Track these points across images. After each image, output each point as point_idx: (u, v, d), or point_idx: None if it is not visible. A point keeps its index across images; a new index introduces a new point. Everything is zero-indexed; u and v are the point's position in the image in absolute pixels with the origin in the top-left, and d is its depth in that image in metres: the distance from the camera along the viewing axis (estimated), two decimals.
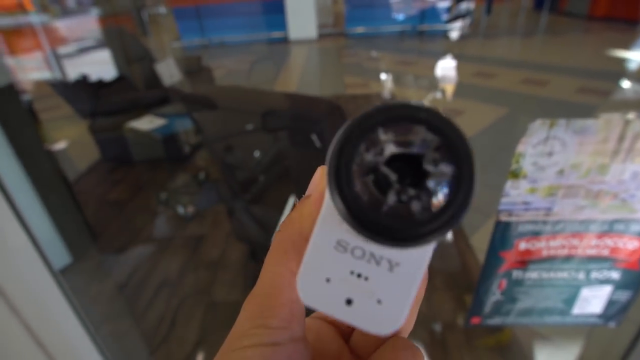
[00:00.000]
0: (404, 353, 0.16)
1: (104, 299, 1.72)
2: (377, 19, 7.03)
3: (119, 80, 2.69)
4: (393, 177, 0.12)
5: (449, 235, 1.89)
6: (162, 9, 6.81)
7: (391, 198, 0.12)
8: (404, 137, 0.12)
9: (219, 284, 1.73)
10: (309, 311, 0.18)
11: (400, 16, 6.99)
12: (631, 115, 0.63)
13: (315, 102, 1.23)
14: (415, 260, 0.13)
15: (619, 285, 0.79)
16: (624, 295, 0.80)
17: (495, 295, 0.77)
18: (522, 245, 0.71)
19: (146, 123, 2.44)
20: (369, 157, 0.12)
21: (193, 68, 3.23)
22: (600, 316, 0.83)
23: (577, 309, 0.82)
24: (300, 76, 5.05)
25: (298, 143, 1.32)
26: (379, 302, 0.14)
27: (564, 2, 7.81)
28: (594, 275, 0.77)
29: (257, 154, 1.76)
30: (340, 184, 0.12)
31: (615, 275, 0.77)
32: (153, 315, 1.60)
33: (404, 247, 0.12)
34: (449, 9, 6.83)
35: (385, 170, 0.12)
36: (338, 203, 0.12)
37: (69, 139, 2.94)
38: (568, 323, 0.83)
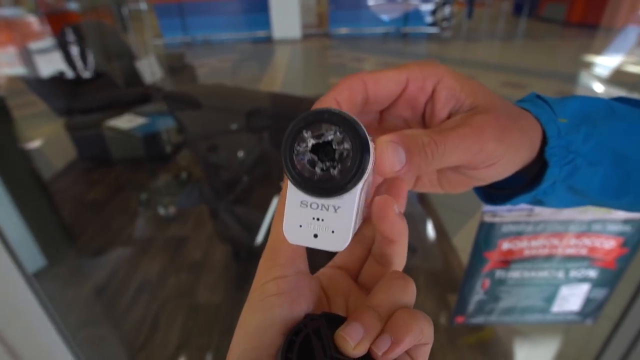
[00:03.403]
0: (397, 281, 0.21)
1: (81, 303, 1.66)
2: (360, 20, 7.07)
3: (98, 77, 2.61)
4: (315, 158, 0.19)
5: (432, 235, 1.92)
6: (143, 5, 6.67)
7: (317, 170, 0.19)
8: (319, 132, 0.19)
9: (201, 286, 1.70)
10: (323, 262, 0.27)
11: (384, 18, 7.05)
12: None
13: (301, 103, 1.22)
14: (348, 203, 0.20)
15: (596, 284, 0.81)
16: (600, 293, 0.83)
17: (478, 294, 0.78)
18: (505, 246, 0.72)
19: (126, 121, 2.37)
20: (300, 149, 0.19)
21: (175, 66, 3.17)
22: (578, 314, 0.86)
23: (556, 307, 0.84)
24: (285, 76, 5.03)
25: (280, 144, 1.31)
26: (333, 232, 0.20)
27: (542, 8, 8.04)
28: (573, 274, 0.79)
29: (240, 154, 1.74)
30: (289, 168, 0.19)
31: (592, 273, 0.79)
32: (133, 319, 1.56)
33: (336, 196, 0.19)
34: (432, 12, 6.93)
35: (310, 155, 0.19)
36: (291, 179, 0.19)
37: (43, 137, 2.84)
38: (548, 321, 0.85)
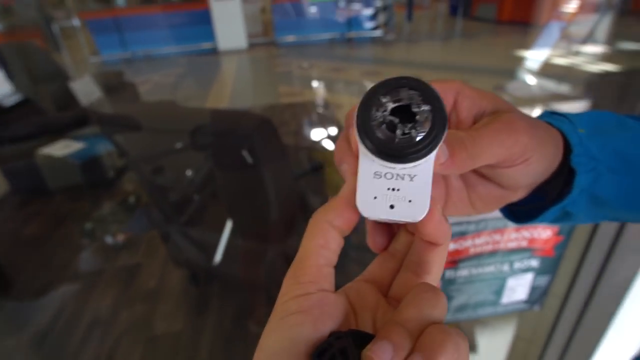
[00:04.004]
0: (426, 294, 0.20)
1: (22, 352, 1.51)
2: (306, 27, 7.13)
3: (23, 103, 2.41)
4: (395, 120, 0.19)
5: None
6: (76, 22, 6.30)
7: (399, 133, 0.19)
8: (397, 96, 0.19)
9: (158, 315, 1.61)
10: (350, 277, 0.25)
11: (329, 24, 7.16)
12: (538, 110, 0.68)
13: (243, 117, 1.20)
14: (424, 170, 0.20)
15: (538, 272, 0.85)
16: (543, 280, 0.87)
17: None
18: (451, 246, 0.74)
19: (61, 148, 2.21)
20: (379, 114, 0.19)
21: (114, 84, 3.01)
22: (526, 302, 0.90)
23: (505, 298, 0.87)
24: (233, 87, 4.95)
25: (225, 163, 1.27)
26: (410, 202, 0.20)
27: (475, 8, 8.55)
28: (517, 265, 0.82)
29: (189, 173, 1.68)
30: (368, 133, 0.19)
31: (534, 263, 0.83)
32: None
33: (414, 161, 0.19)
34: (372, 16, 7.13)
35: (390, 118, 0.19)
36: (369, 146, 0.19)
37: None
38: (500, 313, 0.89)
